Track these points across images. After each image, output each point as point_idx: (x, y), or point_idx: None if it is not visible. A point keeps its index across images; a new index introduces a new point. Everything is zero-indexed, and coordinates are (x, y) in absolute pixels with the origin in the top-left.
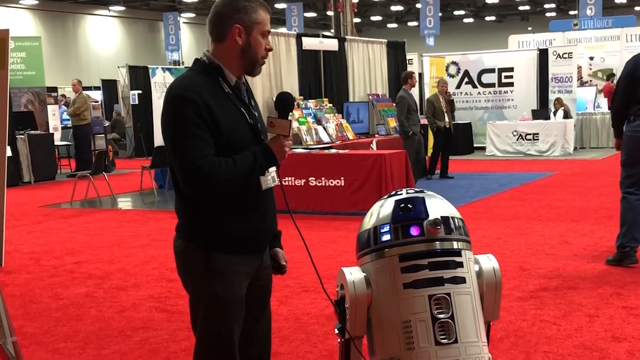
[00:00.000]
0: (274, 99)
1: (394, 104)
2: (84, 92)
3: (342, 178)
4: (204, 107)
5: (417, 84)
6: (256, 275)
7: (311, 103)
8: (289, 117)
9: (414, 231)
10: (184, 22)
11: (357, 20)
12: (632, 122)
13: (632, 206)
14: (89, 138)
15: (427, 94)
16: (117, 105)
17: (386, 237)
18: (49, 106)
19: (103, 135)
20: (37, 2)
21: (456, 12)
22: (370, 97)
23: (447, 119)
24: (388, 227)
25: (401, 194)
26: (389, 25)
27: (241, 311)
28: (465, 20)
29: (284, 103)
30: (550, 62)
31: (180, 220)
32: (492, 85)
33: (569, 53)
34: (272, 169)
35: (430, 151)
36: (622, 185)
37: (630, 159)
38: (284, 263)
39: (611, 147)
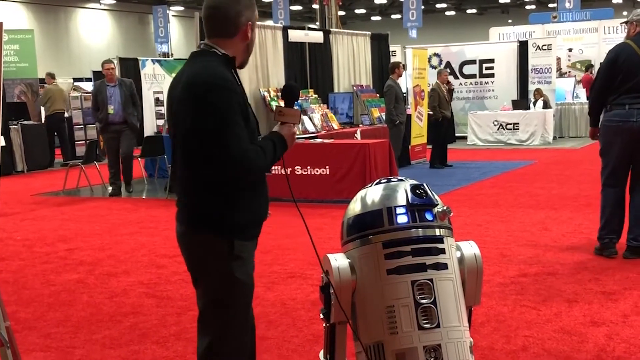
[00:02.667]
0: (281, 88)
1: (383, 93)
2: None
3: (327, 167)
4: (241, 96)
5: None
6: None
7: None
8: (295, 106)
9: (429, 216)
10: (173, 15)
11: (341, 13)
12: (609, 111)
13: (610, 198)
14: (54, 129)
15: (410, 85)
16: None
17: (403, 219)
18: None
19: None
20: None
21: (438, 5)
22: (354, 87)
23: (450, 109)
24: (404, 209)
25: (386, 182)
26: (373, 18)
27: (252, 293)
28: (447, 13)
29: (290, 93)
30: (530, 53)
31: (196, 209)
32: (473, 76)
33: (548, 45)
34: None
35: (418, 141)
36: (601, 176)
37: (605, 148)
38: None
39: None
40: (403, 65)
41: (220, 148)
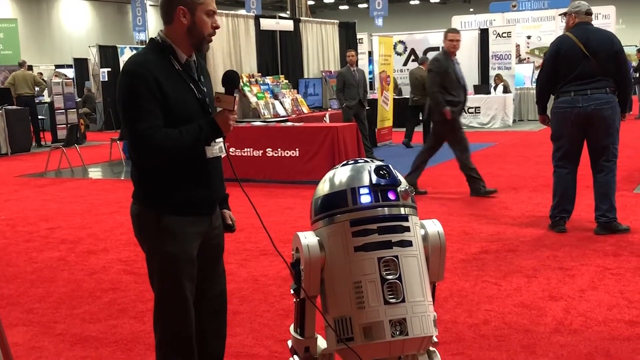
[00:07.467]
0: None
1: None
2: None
3: (297, 149)
4: (153, 82)
5: (358, 60)
6: (207, 235)
7: (268, 79)
8: (235, 94)
9: (392, 195)
10: (150, 5)
11: (311, 2)
12: (557, 98)
13: (562, 179)
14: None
15: (377, 71)
16: (88, 82)
17: (366, 199)
18: None
19: (75, 110)
20: None
21: None
22: (323, 73)
23: None
24: (367, 189)
25: (353, 163)
26: (341, 7)
27: (192, 268)
28: (412, 2)
29: (229, 80)
30: (491, 41)
31: (134, 186)
32: None
33: (508, 32)
34: (220, 140)
35: (384, 124)
36: (553, 159)
37: (556, 134)
38: (231, 222)
39: None
40: (368, 52)
41: (124, 128)
